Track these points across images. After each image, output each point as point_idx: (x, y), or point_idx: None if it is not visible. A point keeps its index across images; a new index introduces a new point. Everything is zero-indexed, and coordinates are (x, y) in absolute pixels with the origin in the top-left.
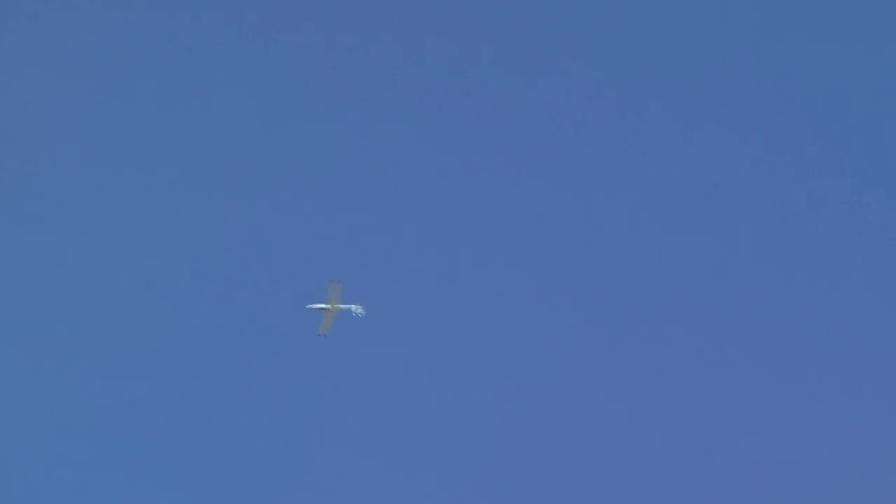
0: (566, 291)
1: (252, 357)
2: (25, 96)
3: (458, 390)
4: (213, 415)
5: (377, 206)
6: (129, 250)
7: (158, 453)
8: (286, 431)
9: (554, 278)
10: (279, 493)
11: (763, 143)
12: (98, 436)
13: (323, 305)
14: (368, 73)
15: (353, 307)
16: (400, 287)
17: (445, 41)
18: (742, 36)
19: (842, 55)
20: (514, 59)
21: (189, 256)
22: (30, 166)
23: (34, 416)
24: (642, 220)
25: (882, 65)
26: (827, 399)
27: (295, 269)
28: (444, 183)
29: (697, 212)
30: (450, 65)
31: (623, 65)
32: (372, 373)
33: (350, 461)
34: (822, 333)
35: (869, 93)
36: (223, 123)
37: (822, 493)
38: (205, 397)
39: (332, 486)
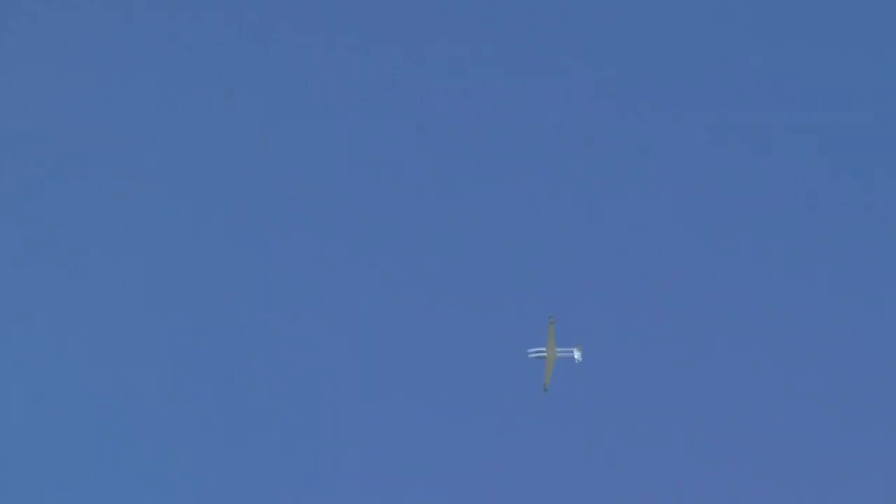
0: (565, 291)
1: (250, 358)
2: (25, 96)
3: (458, 392)
4: (213, 415)
5: (376, 206)
6: (130, 250)
7: (158, 454)
8: (285, 432)
9: (552, 278)
10: (280, 494)
11: (762, 143)
12: (98, 436)
13: (542, 351)
14: (368, 73)
15: (574, 350)
16: (394, 288)
17: (445, 41)
18: (742, 36)
19: (842, 55)
20: (514, 59)
21: (189, 256)
22: (30, 166)
23: (34, 416)
24: (642, 220)
25: (882, 65)
26: (826, 399)
27: (294, 268)
28: (442, 183)
29: (697, 211)
30: (450, 65)
31: (623, 65)
32: (371, 373)
33: (350, 461)
34: (822, 333)
35: (869, 93)
36: (223, 123)
37: (821, 493)
38: (204, 398)
39: (332, 486)
